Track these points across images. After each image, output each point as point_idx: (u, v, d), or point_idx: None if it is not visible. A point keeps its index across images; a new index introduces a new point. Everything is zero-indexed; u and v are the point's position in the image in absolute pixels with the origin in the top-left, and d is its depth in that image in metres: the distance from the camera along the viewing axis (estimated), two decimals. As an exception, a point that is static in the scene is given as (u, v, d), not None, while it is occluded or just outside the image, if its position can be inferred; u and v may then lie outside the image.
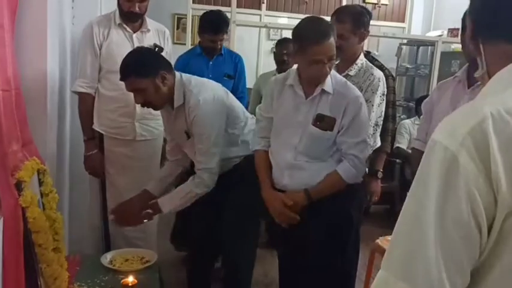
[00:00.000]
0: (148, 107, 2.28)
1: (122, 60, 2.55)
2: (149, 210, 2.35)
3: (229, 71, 3.39)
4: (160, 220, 2.99)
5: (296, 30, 2.07)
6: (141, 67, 2.14)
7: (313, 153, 2.13)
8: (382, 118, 2.49)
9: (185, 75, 2.29)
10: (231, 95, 2.44)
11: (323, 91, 2.10)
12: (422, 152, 2.01)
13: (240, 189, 2.29)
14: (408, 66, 5.96)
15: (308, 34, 1.99)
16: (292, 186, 2.13)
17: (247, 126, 2.43)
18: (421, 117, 2.15)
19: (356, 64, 2.48)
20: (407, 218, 0.83)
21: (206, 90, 2.23)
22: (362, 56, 2.53)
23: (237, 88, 3.38)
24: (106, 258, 2.21)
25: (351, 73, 2.47)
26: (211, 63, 3.34)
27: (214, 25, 3.17)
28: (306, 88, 2.13)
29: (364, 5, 5.97)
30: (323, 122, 2.08)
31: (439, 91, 2.05)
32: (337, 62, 2.55)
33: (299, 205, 2.10)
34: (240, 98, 2.90)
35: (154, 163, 2.84)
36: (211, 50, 3.26)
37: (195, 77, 2.33)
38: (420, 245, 0.78)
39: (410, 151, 4.36)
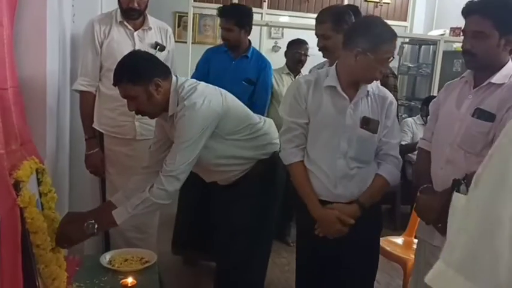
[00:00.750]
0: (142, 115, 2.16)
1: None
2: (92, 221, 1.98)
3: (251, 75, 3.24)
4: (160, 221, 2.97)
5: (366, 30, 1.96)
6: (134, 73, 2.01)
7: (363, 157, 2.04)
8: None
9: (181, 80, 2.13)
10: (233, 100, 2.25)
11: (367, 93, 2.05)
12: (428, 152, 2.01)
13: (247, 209, 2.21)
14: (410, 65, 5.93)
15: (382, 33, 1.95)
16: (346, 195, 2.02)
17: (253, 133, 2.26)
18: (428, 117, 2.12)
19: None
20: (478, 212, 0.78)
21: (196, 96, 2.04)
22: None
23: (255, 96, 3.23)
24: (105, 259, 2.18)
25: None
26: (234, 63, 3.25)
27: (224, 9, 3.15)
28: (347, 90, 2.03)
29: (366, 4, 5.97)
30: (369, 124, 2.01)
31: (446, 91, 2.02)
32: (324, 63, 2.56)
33: (354, 219, 1.99)
34: (255, 107, 2.77)
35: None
36: (230, 45, 3.16)
37: (191, 81, 2.17)
38: (492, 243, 0.73)
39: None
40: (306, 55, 4.03)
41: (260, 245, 2.33)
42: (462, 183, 1.21)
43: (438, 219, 1.80)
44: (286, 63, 4.11)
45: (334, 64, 2.11)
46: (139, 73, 2.01)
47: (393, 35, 1.98)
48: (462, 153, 1.83)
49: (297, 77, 4.01)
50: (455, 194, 1.15)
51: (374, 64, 1.95)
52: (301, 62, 4.05)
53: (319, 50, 2.52)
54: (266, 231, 2.36)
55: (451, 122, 1.89)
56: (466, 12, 1.80)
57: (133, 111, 2.14)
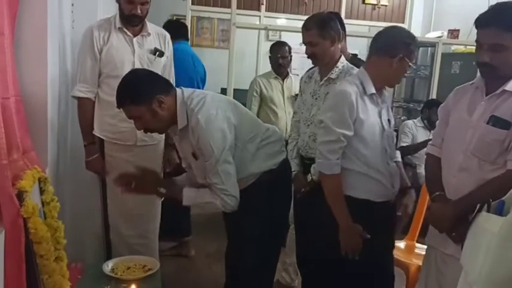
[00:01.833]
0: (151, 133, 2.21)
1: (120, 64, 2.55)
2: (163, 190, 2.20)
3: None
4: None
5: (399, 37, 2.09)
6: (135, 94, 2.02)
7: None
8: None
9: (187, 92, 2.12)
10: (240, 106, 2.27)
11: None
12: (437, 158, 2.00)
13: (257, 218, 2.16)
14: (408, 67, 5.94)
15: (413, 39, 2.12)
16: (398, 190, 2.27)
17: (265, 140, 2.24)
18: (437, 122, 2.09)
19: (337, 67, 2.50)
20: None
21: (208, 108, 2.05)
22: (342, 58, 2.54)
23: None
24: (108, 267, 2.18)
25: (332, 76, 2.50)
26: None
27: None
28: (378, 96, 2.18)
29: (363, 6, 5.97)
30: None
31: (456, 97, 1.99)
32: (315, 68, 2.58)
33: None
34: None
35: (156, 168, 2.80)
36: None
37: (197, 92, 2.16)
38: None
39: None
40: (285, 57, 3.97)
41: (270, 253, 2.29)
42: (491, 202, 1.21)
43: (452, 228, 1.81)
44: (272, 68, 4.05)
45: (363, 70, 2.17)
46: (140, 93, 2.02)
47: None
48: (476, 161, 1.81)
49: (285, 80, 3.99)
50: (484, 214, 1.15)
51: (405, 69, 2.10)
52: (281, 66, 3.97)
53: (308, 57, 2.54)
54: (276, 240, 2.35)
55: (463, 129, 1.87)
56: (482, 24, 1.76)
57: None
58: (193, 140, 2.05)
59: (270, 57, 4.07)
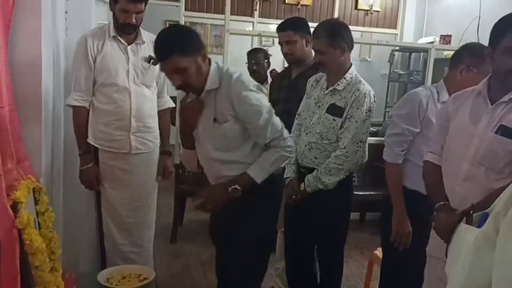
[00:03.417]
0: (185, 91, 2.07)
1: (115, 73, 2.55)
2: (236, 186, 2.07)
3: None
4: (156, 232, 2.95)
5: (463, 49, 2.23)
6: (185, 44, 1.93)
7: None
8: (367, 135, 2.50)
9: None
10: None
11: None
12: (436, 165, 1.98)
13: (251, 222, 2.13)
14: (401, 72, 5.97)
15: (479, 48, 2.18)
16: None
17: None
18: (435, 129, 2.08)
19: (345, 78, 2.46)
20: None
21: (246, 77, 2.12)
22: (352, 69, 2.51)
23: None
24: (103, 276, 2.17)
25: (339, 87, 2.46)
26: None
27: None
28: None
29: (356, 12, 6.01)
30: None
31: (455, 104, 1.96)
32: (324, 76, 2.58)
33: None
34: None
35: (150, 176, 2.80)
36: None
37: None
38: None
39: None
40: (259, 63, 4.01)
41: (263, 257, 2.29)
42: (470, 213, 1.21)
43: None
44: (249, 74, 4.06)
45: (442, 81, 2.31)
46: (188, 44, 1.95)
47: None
48: (483, 170, 1.78)
49: (264, 84, 3.98)
50: (462, 225, 1.15)
51: (478, 77, 2.08)
52: (256, 72, 4.02)
53: (316, 64, 2.55)
54: (267, 243, 2.34)
55: (467, 137, 1.84)
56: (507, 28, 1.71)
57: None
58: (224, 102, 2.03)
59: (246, 63, 4.16)
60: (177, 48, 1.91)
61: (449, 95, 2.16)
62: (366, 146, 2.51)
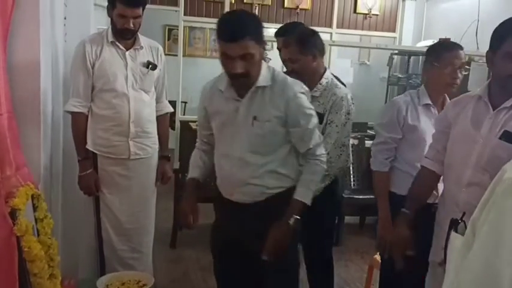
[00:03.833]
0: (240, 79, 1.85)
1: (113, 78, 2.54)
2: (295, 217, 1.91)
3: None
4: (155, 237, 2.95)
5: (431, 46, 2.36)
6: (259, 30, 1.83)
7: None
8: (349, 138, 2.52)
9: None
10: None
11: None
12: (432, 171, 1.99)
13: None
14: (400, 75, 5.97)
15: (439, 43, 2.38)
16: None
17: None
18: (433, 134, 2.07)
19: (320, 84, 2.48)
20: (479, 268, 0.80)
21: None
22: (327, 73, 2.51)
23: None
24: (102, 283, 2.16)
25: (316, 94, 2.46)
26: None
27: None
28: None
29: (355, 15, 6.02)
30: None
31: (455, 109, 1.94)
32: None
33: None
34: None
35: (149, 182, 2.80)
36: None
37: None
38: None
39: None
40: None
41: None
42: (460, 222, 1.21)
43: None
44: None
45: (423, 85, 2.34)
46: (261, 32, 1.87)
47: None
48: (488, 176, 1.72)
49: None
50: (452, 234, 1.16)
51: (443, 70, 2.20)
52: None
53: (289, 73, 2.38)
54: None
55: (469, 143, 1.82)
56: None
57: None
58: (275, 102, 1.89)
59: None
60: (252, 31, 1.80)
61: (430, 96, 2.28)
62: (349, 149, 2.54)
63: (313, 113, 1.99)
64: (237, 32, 1.78)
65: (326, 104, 2.43)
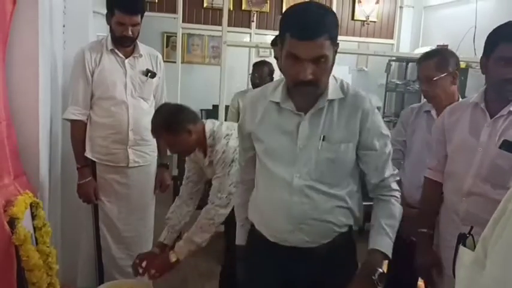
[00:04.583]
0: (308, 87, 1.49)
1: (112, 86, 2.57)
2: (381, 271, 1.53)
3: None
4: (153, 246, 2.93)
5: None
6: (335, 31, 1.50)
7: None
8: None
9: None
10: None
11: None
12: (436, 182, 1.96)
13: None
14: (398, 82, 5.97)
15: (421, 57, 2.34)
16: None
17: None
18: (432, 144, 2.07)
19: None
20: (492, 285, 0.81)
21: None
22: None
23: None
24: (100, 291, 2.15)
25: None
26: None
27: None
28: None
29: (353, 22, 6.04)
30: None
31: (452, 117, 1.93)
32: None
33: None
34: None
35: (148, 190, 2.80)
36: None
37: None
38: None
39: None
40: (263, 77, 4.02)
41: None
42: (468, 236, 1.20)
43: None
44: (252, 86, 4.14)
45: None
46: (337, 34, 1.61)
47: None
48: (489, 185, 1.74)
49: None
50: (461, 248, 1.15)
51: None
52: (257, 86, 4.03)
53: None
54: None
55: (469, 152, 1.81)
56: None
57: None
58: (349, 117, 1.57)
59: (250, 74, 4.17)
60: (329, 31, 1.45)
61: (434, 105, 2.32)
62: None
63: (389, 134, 1.66)
64: (314, 28, 1.43)
65: None
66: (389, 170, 1.64)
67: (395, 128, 2.60)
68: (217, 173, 2.23)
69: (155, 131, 2.24)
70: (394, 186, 1.64)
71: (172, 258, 2.25)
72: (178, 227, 2.48)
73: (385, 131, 1.61)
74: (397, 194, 1.65)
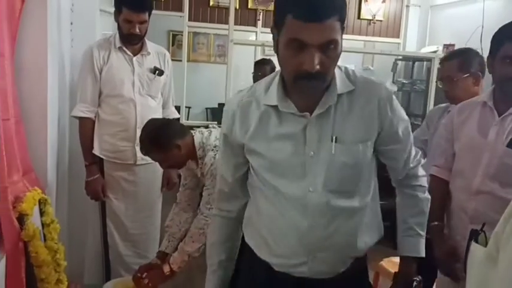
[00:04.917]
0: (314, 81, 1.21)
1: (120, 84, 2.58)
2: (417, 278, 1.50)
3: None
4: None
5: None
6: (345, 13, 1.21)
7: None
8: None
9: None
10: None
11: None
12: (443, 180, 1.95)
13: None
14: (404, 81, 5.96)
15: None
16: None
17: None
18: (438, 141, 2.07)
19: None
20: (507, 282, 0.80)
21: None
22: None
23: None
24: (108, 288, 2.16)
25: None
26: None
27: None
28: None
29: (359, 21, 6.02)
30: None
31: (461, 115, 1.92)
32: None
33: None
34: None
35: (155, 187, 2.80)
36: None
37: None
38: None
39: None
40: (264, 75, 4.01)
41: None
42: (480, 233, 1.19)
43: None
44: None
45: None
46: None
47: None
48: (497, 184, 1.73)
49: None
50: (473, 245, 1.15)
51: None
52: None
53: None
54: None
55: (477, 151, 1.80)
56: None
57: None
58: (364, 110, 1.32)
59: (252, 73, 4.16)
60: (339, 10, 1.19)
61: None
62: None
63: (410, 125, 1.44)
64: (324, 7, 1.16)
65: None
66: (414, 157, 1.46)
67: (421, 126, 2.59)
68: (206, 185, 2.18)
69: (144, 148, 2.21)
70: (421, 172, 1.49)
71: (166, 269, 2.20)
72: (179, 234, 2.41)
73: (406, 116, 1.40)
74: (424, 181, 1.50)
